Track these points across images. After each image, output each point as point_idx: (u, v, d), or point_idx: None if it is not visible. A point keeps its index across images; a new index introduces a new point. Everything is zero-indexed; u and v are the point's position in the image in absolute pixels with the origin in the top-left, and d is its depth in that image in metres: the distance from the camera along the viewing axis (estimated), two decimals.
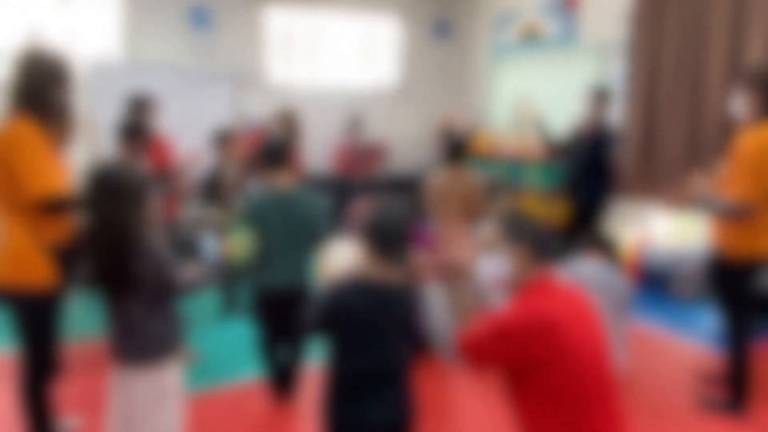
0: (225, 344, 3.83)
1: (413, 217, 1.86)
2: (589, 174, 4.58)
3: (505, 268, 1.75)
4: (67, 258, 2.31)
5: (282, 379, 3.06)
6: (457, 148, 3.85)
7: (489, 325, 1.69)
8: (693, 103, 4.63)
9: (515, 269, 1.75)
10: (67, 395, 2.82)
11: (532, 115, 4.80)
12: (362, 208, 1.85)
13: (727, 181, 2.87)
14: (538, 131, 4.85)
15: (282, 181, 2.92)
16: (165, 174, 4.04)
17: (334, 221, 3.02)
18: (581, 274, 2.89)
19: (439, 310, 1.80)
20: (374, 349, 1.76)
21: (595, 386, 1.65)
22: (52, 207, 2.22)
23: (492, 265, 1.79)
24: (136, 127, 3.68)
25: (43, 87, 2.21)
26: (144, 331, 1.95)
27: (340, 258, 1.86)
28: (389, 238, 1.76)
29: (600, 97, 4.60)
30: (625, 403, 1.78)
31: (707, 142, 4.51)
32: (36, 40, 2.32)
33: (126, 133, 3.64)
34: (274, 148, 2.94)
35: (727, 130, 4.27)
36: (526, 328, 1.62)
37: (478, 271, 1.87)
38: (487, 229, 1.82)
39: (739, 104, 2.86)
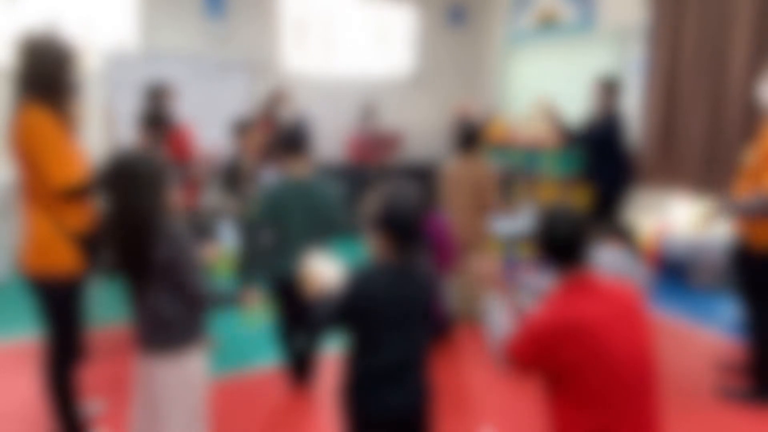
0: (243, 331, 3.86)
1: (424, 204, 1.81)
2: (605, 163, 4.53)
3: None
4: (90, 245, 2.33)
5: (300, 366, 3.08)
6: (470, 137, 3.82)
7: (524, 330, 1.67)
8: (715, 90, 4.54)
9: (545, 272, 1.75)
10: (91, 380, 2.87)
11: (550, 114, 4.74)
12: (372, 198, 1.80)
13: (753, 169, 2.81)
14: (553, 121, 4.80)
15: (299, 169, 2.92)
16: (185, 162, 4.06)
17: (349, 210, 3.01)
18: (600, 263, 2.86)
19: (498, 319, 1.79)
20: (396, 336, 1.74)
21: (631, 389, 1.61)
22: (75, 194, 2.24)
23: (542, 279, 1.79)
24: (157, 116, 3.69)
25: (51, 70, 2.20)
26: (166, 318, 1.96)
27: (322, 270, 1.82)
28: (402, 226, 1.71)
29: (608, 87, 4.54)
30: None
31: (730, 129, 4.43)
32: (47, 28, 2.30)
33: (147, 122, 3.65)
34: (290, 136, 2.93)
35: (751, 117, 4.19)
36: (555, 331, 1.60)
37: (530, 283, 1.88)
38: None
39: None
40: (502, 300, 1.83)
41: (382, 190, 1.78)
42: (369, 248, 1.78)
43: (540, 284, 1.79)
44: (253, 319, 4.20)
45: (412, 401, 1.81)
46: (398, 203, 1.72)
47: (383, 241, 1.74)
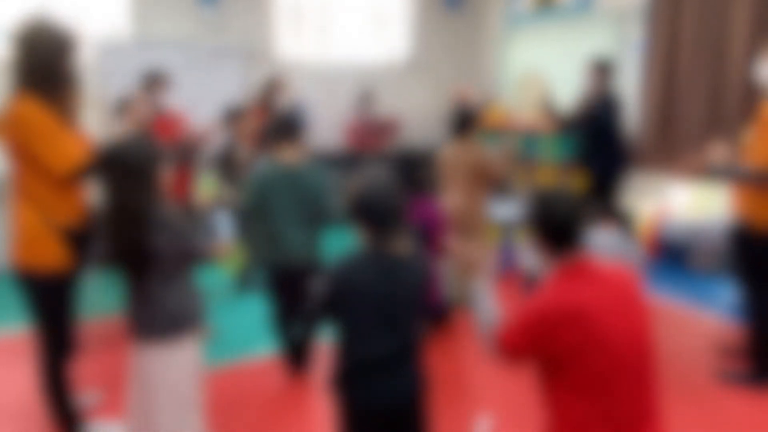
0: (239, 320, 3.86)
1: (403, 190, 1.78)
2: (600, 146, 4.48)
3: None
4: (80, 239, 2.31)
5: (296, 354, 3.07)
6: (464, 121, 3.79)
7: (519, 317, 1.64)
8: (714, 71, 4.49)
9: (541, 257, 1.70)
10: (86, 372, 2.86)
11: (538, 91, 4.69)
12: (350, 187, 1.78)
13: (750, 148, 2.78)
14: (544, 107, 4.75)
15: (288, 156, 2.89)
16: (176, 147, 4.04)
17: (344, 197, 2.99)
18: (594, 245, 2.84)
19: (486, 304, 1.76)
20: (384, 325, 1.72)
21: (630, 374, 1.59)
22: (77, 177, 2.21)
23: (532, 255, 1.74)
24: (126, 102, 3.75)
25: (49, 58, 2.16)
26: (162, 306, 1.95)
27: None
28: (378, 213, 1.69)
29: (600, 69, 4.48)
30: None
31: (729, 111, 4.38)
32: (44, 16, 2.25)
33: (117, 110, 3.75)
34: (282, 123, 2.90)
35: (750, 99, 4.14)
36: (554, 317, 1.56)
37: (521, 260, 1.83)
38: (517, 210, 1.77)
39: (767, 69, 2.75)
40: (489, 286, 1.80)
41: (357, 178, 1.76)
42: (353, 237, 1.76)
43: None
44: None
45: (404, 390, 1.78)
46: (373, 190, 1.70)
47: (363, 228, 1.73)
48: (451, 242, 3.26)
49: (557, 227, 1.66)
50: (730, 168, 2.79)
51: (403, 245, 1.75)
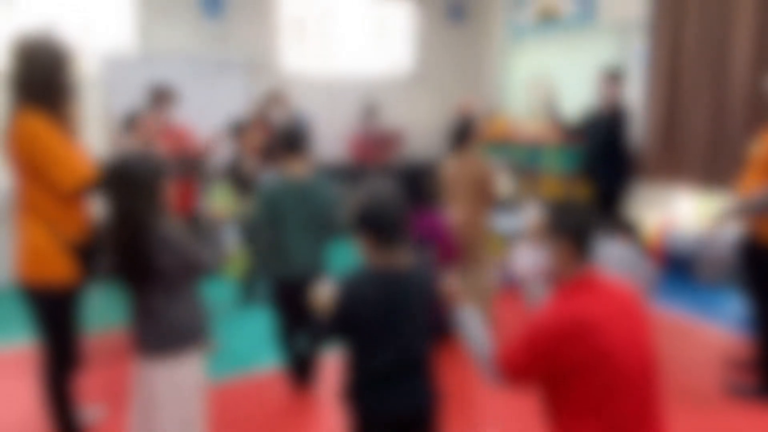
0: (244, 334, 3.84)
1: (406, 203, 1.78)
2: (607, 157, 4.48)
3: (544, 261, 1.67)
4: (85, 252, 2.31)
5: (301, 368, 3.05)
6: (463, 133, 3.79)
7: (524, 335, 1.62)
8: (718, 82, 4.49)
9: (556, 264, 1.66)
10: (89, 386, 2.85)
11: (546, 96, 4.70)
12: (353, 200, 1.77)
13: (761, 161, 2.76)
14: (551, 113, 4.75)
15: (296, 170, 2.89)
16: (181, 160, 4.05)
17: (348, 210, 2.99)
18: (605, 259, 2.83)
19: (475, 332, 1.75)
20: (395, 338, 1.72)
21: (636, 389, 1.57)
22: (84, 193, 2.21)
23: (528, 257, 1.71)
24: (133, 117, 3.76)
25: (48, 73, 2.17)
26: (165, 321, 1.95)
27: (326, 291, 1.78)
28: (380, 226, 1.69)
29: (612, 78, 4.48)
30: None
31: (733, 121, 4.38)
32: (43, 30, 2.26)
33: (123, 125, 3.73)
34: (288, 137, 2.90)
35: (755, 109, 4.14)
36: (561, 331, 1.54)
37: (515, 262, 1.81)
38: (533, 218, 1.73)
39: None
40: (475, 312, 1.80)
41: (360, 191, 1.75)
42: (356, 250, 1.76)
43: (527, 263, 1.73)
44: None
45: (415, 402, 1.78)
46: (375, 203, 1.70)
47: (365, 241, 1.72)
48: (465, 255, 3.25)
49: (585, 235, 1.65)
50: (751, 200, 2.74)
51: (406, 258, 1.75)
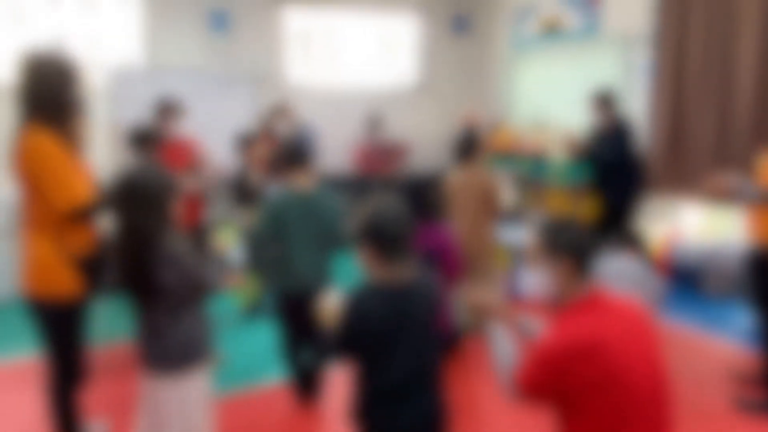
0: (249, 347, 3.83)
1: (412, 216, 1.77)
2: (616, 170, 4.50)
3: (545, 283, 1.65)
4: (92, 266, 2.32)
5: (306, 382, 3.04)
6: (468, 145, 3.80)
7: (534, 355, 1.61)
8: (723, 95, 4.49)
9: (558, 286, 1.63)
10: (95, 399, 2.84)
11: (575, 146, 4.77)
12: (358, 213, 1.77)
13: (765, 173, 2.76)
14: (577, 151, 4.81)
15: (301, 182, 2.90)
16: (184, 172, 4.06)
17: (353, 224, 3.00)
18: (613, 272, 2.81)
19: (504, 347, 1.74)
20: (405, 353, 1.71)
21: (646, 407, 1.56)
22: (80, 216, 2.22)
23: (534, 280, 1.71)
24: (146, 132, 3.73)
25: (55, 89, 2.19)
26: (170, 337, 1.95)
27: (332, 305, 1.78)
28: (386, 239, 1.68)
29: (602, 101, 4.56)
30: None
31: (739, 133, 4.37)
32: (50, 46, 2.28)
33: (134, 139, 3.70)
34: (291, 149, 2.92)
35: (760, 121, 4.13)
36: (571, 351, 1.53)
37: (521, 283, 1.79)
38: (531, 240, 1.70)
39: None
40: (505, 328, 1.78)
41: (365, 204, 1.75)
42: (359, 263, 1.75)
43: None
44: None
45: (425, 418, 1.77)
46: (381, 216, 1.70)
47: (370, 254, 1.72)
48: (463, 289, 3.25)
49: (584, 253, 1.63)
50: (745, 188, 2.73)
51: (409, 271, 1.75)
